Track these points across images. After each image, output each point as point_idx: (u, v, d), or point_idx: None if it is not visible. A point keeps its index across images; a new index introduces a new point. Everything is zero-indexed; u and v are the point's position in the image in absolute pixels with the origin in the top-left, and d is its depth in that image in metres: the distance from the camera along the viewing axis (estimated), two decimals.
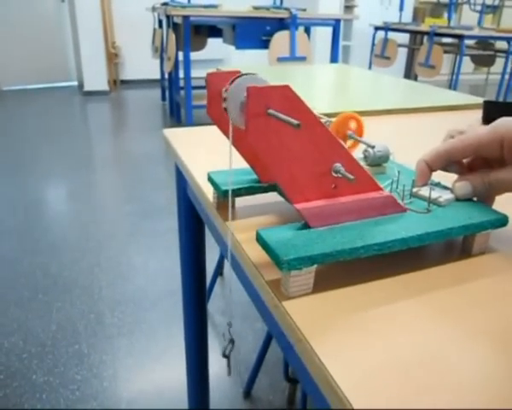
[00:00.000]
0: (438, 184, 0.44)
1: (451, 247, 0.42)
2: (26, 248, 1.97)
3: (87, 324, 1.53)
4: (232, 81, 0.34)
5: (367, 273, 0.37)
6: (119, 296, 1.68)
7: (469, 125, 0.46)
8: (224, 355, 0.38)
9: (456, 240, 0.42)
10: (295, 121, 0.28)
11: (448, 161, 0.43)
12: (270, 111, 0.30)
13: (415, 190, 0.43)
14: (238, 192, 0.45)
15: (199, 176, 0.57)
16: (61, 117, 4.10)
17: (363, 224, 0.36)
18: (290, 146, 0.33)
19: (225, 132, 0.41)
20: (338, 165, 0.35)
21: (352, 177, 0.33)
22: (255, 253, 0.39)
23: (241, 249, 0.40)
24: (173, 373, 1.35)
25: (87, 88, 4.90)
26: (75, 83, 5.40)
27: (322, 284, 0.35)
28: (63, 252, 1.95)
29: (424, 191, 0.42)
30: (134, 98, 4.99)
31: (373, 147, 0.43)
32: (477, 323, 0.32)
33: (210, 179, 0.47)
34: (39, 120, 3.94)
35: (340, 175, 0.35)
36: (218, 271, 1.77)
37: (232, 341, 0.38)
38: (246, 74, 0.35)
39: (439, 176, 0.45)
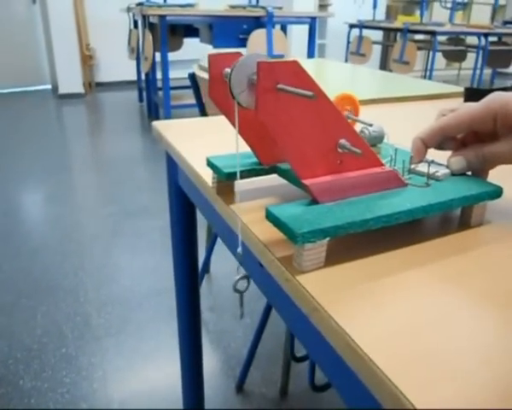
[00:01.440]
0: (432, 162, 0.46)
1: (451, 220, 0.43)
2: (7, 253, 1.93)
3: (74, 326, 1.51)
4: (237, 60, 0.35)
5: (372, 247, 0.38)
6: (105, 297, 1.66)
7: (461, 103, 0.47)
8: (236, 290, 0.38)
9: (454, 214, 0.44)
10: (309, 92, 0.29)
11: (443, 138, 0.45)
12: (281, 86, 0.30)
13: (412, 166, 0.44)
14: (241, 174, 0.45)
15: (194, 163, 0.57)
16: (36, 121, 4.01)
17: (369, 198, 0.37)
18: (299, 122, 0.33)
19: (227, 114, 0.42)
20: (343, 141, 0.36)
21: (358, 151, 0.34)
22: (261, 232, 0.40)
23: (248, 229, 0.41)
24: (165, 372, 1.34)
25: (62, 91, 4.81)
26: (49, 86, 5.29)
27: (332, 258, 0.36)
28: (45, 255, 1.91)
29: (421, 167, 0.44)
30: (110, 100, 4.92)
31: (370, 125, 0.44)
32: (481, 287, 0.33)
33: (210, 164, 0.48)
34: (14, 126, 3.85)
35: (345, 151, 0.36)
36: (205, 268, 1.76)
37: (247, 277, 0.38)
38: (250, 54, 0.35)
39: (432, 155, 0.46)
